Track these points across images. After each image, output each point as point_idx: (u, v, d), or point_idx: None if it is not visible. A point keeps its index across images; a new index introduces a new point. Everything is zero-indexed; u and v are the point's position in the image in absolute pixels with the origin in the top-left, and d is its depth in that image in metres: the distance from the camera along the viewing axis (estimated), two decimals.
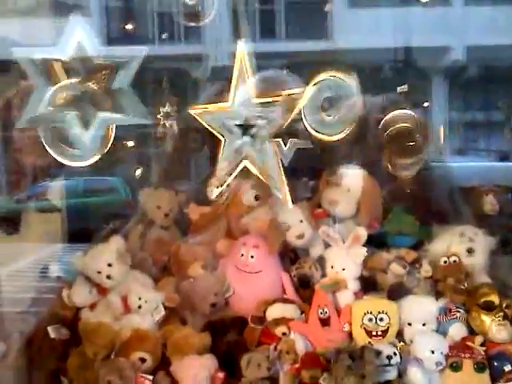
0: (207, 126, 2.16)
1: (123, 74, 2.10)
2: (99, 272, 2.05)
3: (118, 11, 6.26)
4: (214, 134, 2.48)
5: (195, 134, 2.82)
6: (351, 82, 2.13)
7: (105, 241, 2.16)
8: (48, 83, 2.09)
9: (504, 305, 1.95)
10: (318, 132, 2.13)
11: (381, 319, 1.93)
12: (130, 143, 3.63)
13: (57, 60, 2.08)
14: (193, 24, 2.82)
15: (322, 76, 2.12)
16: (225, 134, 2.15)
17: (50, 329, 1.98)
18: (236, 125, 2.13)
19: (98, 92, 2.10)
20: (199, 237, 2.27)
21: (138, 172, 3.49)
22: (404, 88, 2.65)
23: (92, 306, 2.07)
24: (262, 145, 2.12)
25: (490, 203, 2.34)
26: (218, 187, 2.15)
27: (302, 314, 1.99)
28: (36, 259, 3.07)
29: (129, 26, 5.85)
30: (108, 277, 2.04)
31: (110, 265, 2.04)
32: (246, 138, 2.12)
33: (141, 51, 2.12)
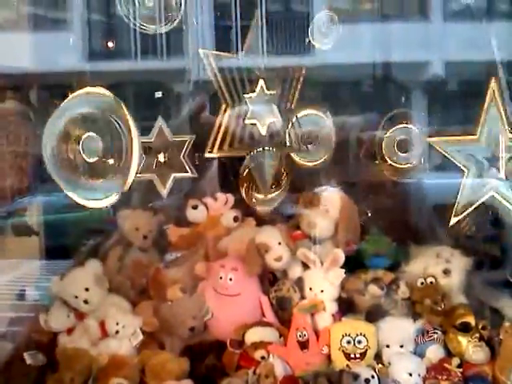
0: (448, 156, 2.00)
1: None
2: (76, 297, 2.03)
3: (100, 26, 6.24)
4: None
5: None
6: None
7: (84, 261, 2.14)
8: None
9: (480, 326, 1.97)
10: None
11: (359, 341, 1.94)
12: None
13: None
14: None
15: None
16: (468, 164, 1.98)
17: (26, 355, 1.95)
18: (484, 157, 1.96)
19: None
20: (178, 259, 2.27)
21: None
22: None
23: (69, 331, 2.05)
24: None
25: (466, 223, 2.37)
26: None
27: (280, 337, 2.00)
28: (12, 280, 3.02)
29: (110, 41, 5.84)
30: (85, 301, 2.03)
31: (87, 289, 2.03)
32: (494, 172, 1.97)
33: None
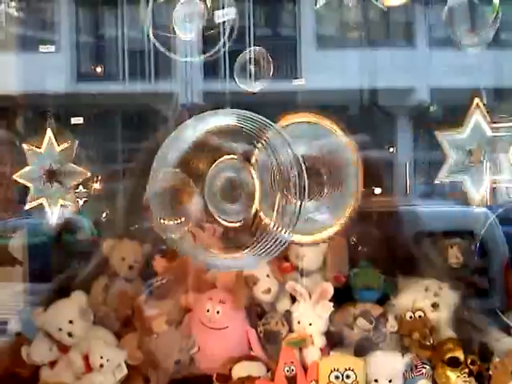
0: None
1: None
2: (60, 329, 1.99)
3: (88, 47, 6.24)
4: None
5: None
6: None
7: (64, 289, 2.11)
8: None
9: (469, 361, 1.96)
10: None
11: (347, 376, 1.92)
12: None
13: None
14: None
15: None
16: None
17: None
18: None
19: None
20: (163, 286, 2.23)
21: (104, 215, 3.43)
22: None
23: (52, 364, 2.01)
24: None
25: (454, 256, 2.37)
26: None
27: (268, 371, 1.97)
28: None
29: (99, 63, 5.83)
30: (69, 334, 1.99)
31: (71, 322, 1.99)
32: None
33: None
